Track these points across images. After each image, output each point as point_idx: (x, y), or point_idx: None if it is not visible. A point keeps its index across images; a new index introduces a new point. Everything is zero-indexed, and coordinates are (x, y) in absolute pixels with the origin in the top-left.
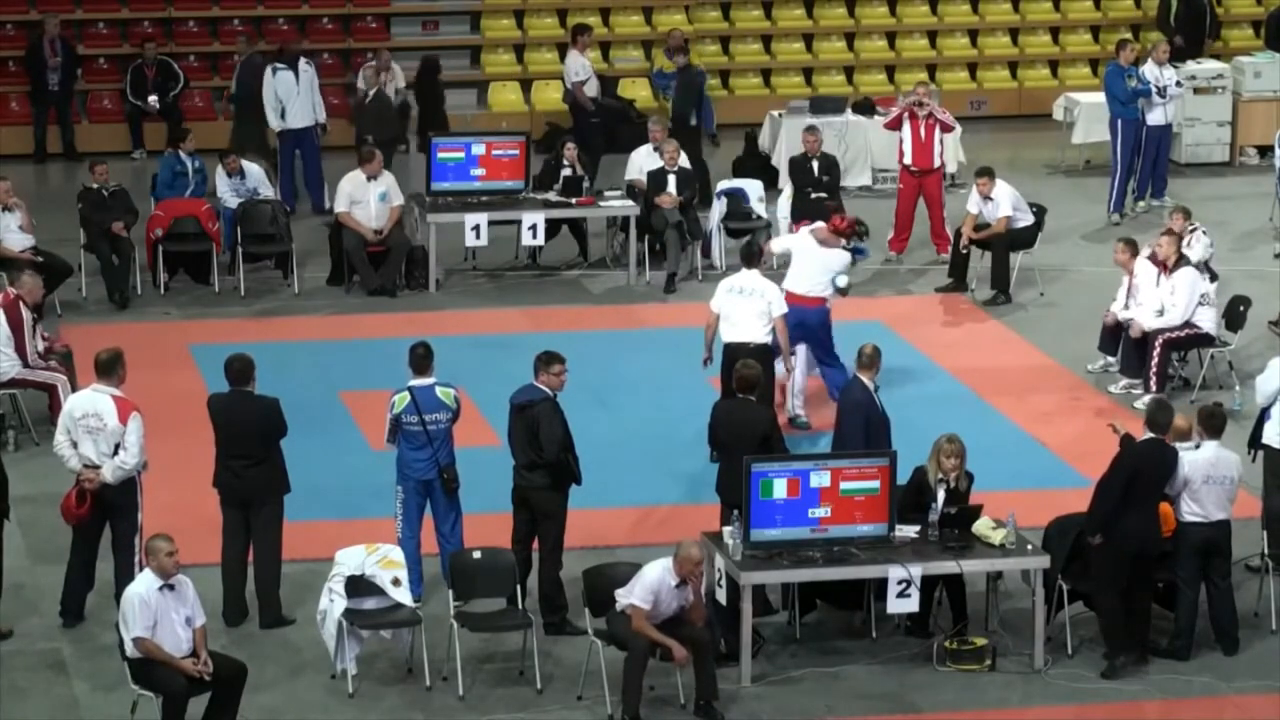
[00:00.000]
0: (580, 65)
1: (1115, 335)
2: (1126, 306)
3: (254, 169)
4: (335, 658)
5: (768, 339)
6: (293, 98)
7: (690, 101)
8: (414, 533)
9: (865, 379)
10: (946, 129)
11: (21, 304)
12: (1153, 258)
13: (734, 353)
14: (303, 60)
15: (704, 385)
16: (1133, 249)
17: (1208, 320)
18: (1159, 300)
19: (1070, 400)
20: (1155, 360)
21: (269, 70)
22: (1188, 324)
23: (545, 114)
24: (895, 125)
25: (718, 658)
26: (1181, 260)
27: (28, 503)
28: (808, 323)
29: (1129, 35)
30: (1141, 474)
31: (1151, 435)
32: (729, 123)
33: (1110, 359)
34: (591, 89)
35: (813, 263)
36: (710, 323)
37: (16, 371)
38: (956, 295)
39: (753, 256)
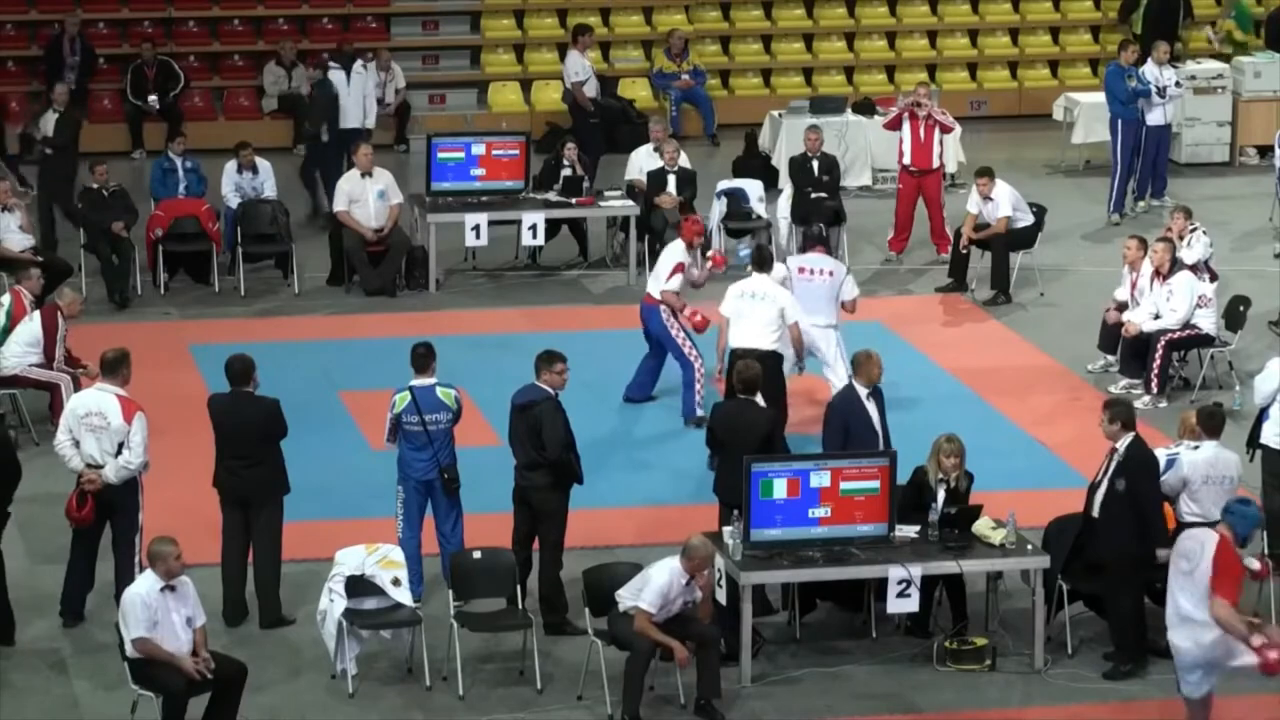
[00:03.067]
0: (580, 65)
1: (1115, 334)
2: (1126, 307)
3: (266, 166)
4: (335, 658)
5: (776, 346)
6: (345, 99)
7: (320, 115)
8: (414, 533)
9: (858, 384)
10: (946, 129)
11: (59, 314)
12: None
13: (741, 359)
14: (359, 62)
15: (705, 385)
16: (1144, 246)
17: (1207, 320)
18: (1154, 305)
19: (1070, 400)
20: (1157, 362)
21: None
22: (1188, 324)
23: (545, 114)
24: (895, 125)
25: (720, 657)
26: (1176, 265)
27: (28, 503)
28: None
29: (1129, 35)
30: (1159, 475)
31: (1134, 435)
32: (729, 123)
33: (1110, 358)
34: (591, 89)
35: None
36: (721, 328)
37: (22, 368)
38: (956, 295)
39: (764, 261)
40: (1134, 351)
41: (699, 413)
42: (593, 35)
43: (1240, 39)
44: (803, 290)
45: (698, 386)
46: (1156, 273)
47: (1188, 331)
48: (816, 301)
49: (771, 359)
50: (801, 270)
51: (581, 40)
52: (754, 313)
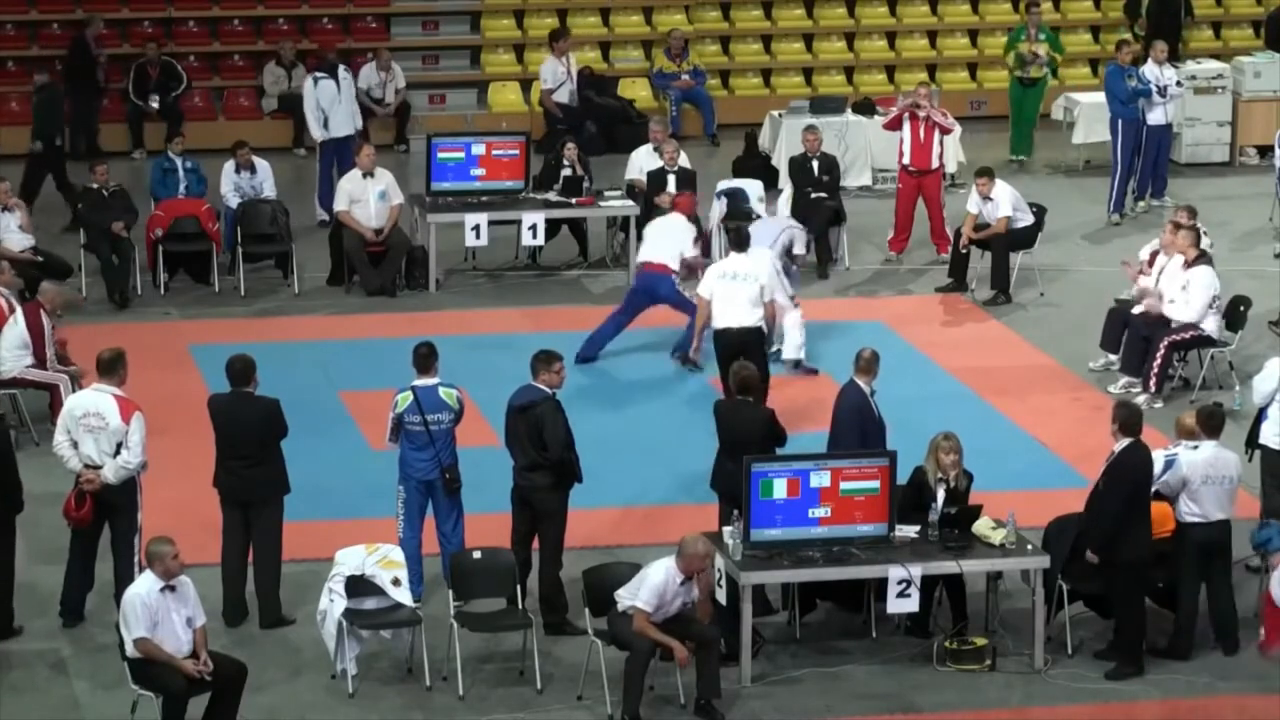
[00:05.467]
0: (552, 72)
1: (1118, 332)
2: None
3: (265, 165)
4: (335, 658)
5: (760, 323)
6: (335, 106)
7: (48, 122)
8: (415, 533)
9: (862, 383)
10: (945, 131)
11: (42, 311)
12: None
13: (728, 338)
14: (341, 68)
15: (704, 384)
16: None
17: (1211, 321)
18: (1172, 292)
19: (1070, 400)
20: (1158, 362)
21: (309, 80)
22: (1191, 325)
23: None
24: (895, 125)
25: (720, 657)
26: (1201, 257)
27: (28, 502)
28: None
29: (1128, 36)
30: (1140, 483)
31: (1131, 440)
32: (729, 123)
33: (1112, 357)
34: (564, 95)
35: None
36: (702, 310)
37: (20, 370)
38: (956, 295)
39: (743, 241)
40: (1135, 349)
41: (695, 355)
42: (569, 39)
43: (1058, 60)
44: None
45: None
46: (1186, 261)
47: (1190, 333)
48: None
49: (756, 335)
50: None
51: (558, 45)
52: (736, 293)
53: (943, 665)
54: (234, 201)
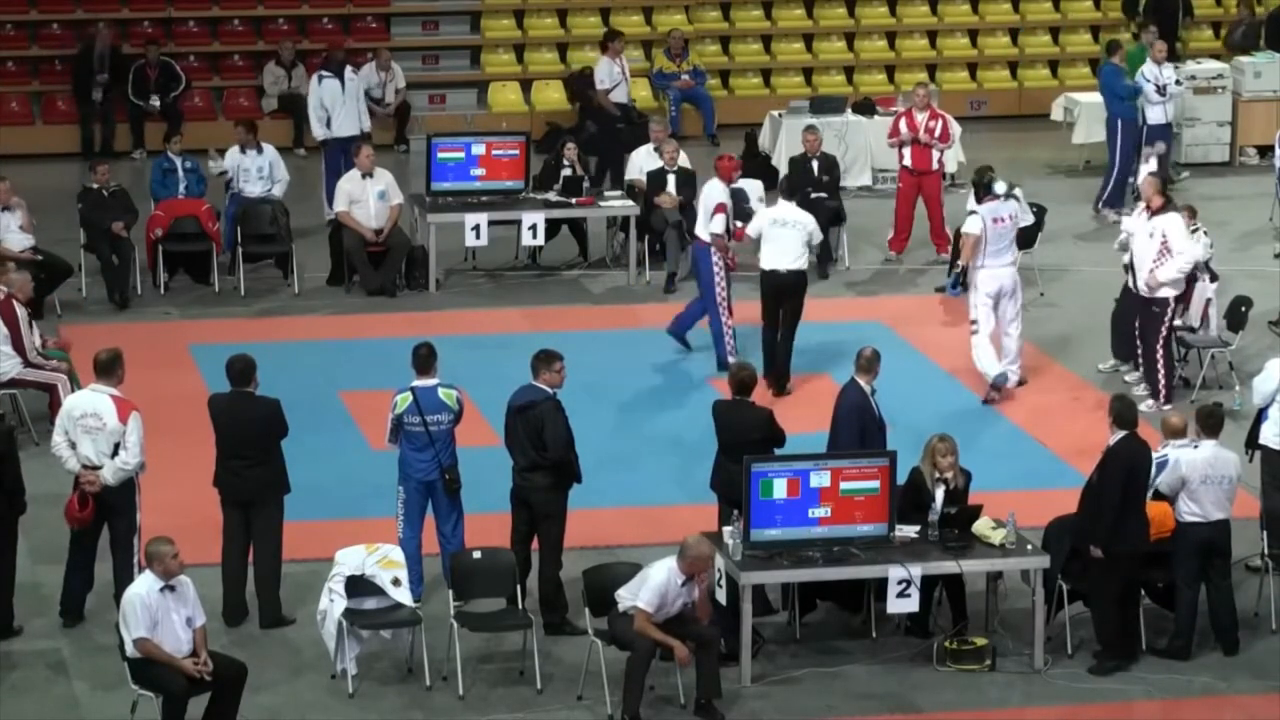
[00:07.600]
0: (608, 72)
1: (1129, 341)
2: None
3: (270, 146)
4: (335, 658)
5: (802, 265)
6: (338, 105)
7: None
8: (415, 533)
9: (863, 382)
10: (945, 148)
11: (14, 302)
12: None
13: (776, 279)
14: (349, 68)
15: (704, 385)
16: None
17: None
18: (1151, 252)
19: (1070, 400)
20: (1160, 370)
21: (314, 78)
22: (1182, 327)
23: (545, 114)
24: (897, 146)
25: (719, 657)
26: (1167, 205)
27: (28, 503)
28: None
29: (1125, 36)
30: (1133, 474)
31: (1126, 433)
32: (729, 123)
33: (1122, 365)
34: (620, 95)
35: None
36: (741, 238)
37: (17, 371)
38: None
39: (794, 190)
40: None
41: (731, 359)
42: (623, 40)
43: None
44: (997, 235)
45: (727, 336)
46: (1146, 207)
47: (1179, 331)
48: (1008, 243)
49: (800, 278)
50: (997, 220)
51: (612, 46)
52: (786, 238)
53: (943, 665)
54: (256, 187)
